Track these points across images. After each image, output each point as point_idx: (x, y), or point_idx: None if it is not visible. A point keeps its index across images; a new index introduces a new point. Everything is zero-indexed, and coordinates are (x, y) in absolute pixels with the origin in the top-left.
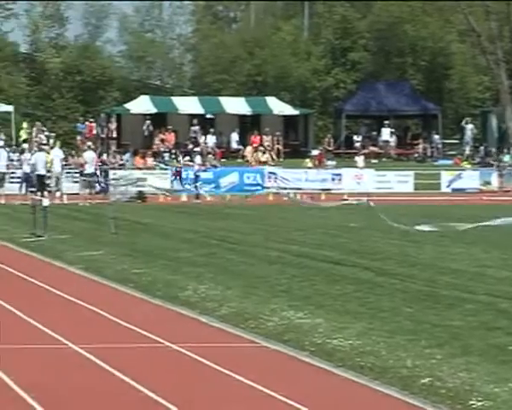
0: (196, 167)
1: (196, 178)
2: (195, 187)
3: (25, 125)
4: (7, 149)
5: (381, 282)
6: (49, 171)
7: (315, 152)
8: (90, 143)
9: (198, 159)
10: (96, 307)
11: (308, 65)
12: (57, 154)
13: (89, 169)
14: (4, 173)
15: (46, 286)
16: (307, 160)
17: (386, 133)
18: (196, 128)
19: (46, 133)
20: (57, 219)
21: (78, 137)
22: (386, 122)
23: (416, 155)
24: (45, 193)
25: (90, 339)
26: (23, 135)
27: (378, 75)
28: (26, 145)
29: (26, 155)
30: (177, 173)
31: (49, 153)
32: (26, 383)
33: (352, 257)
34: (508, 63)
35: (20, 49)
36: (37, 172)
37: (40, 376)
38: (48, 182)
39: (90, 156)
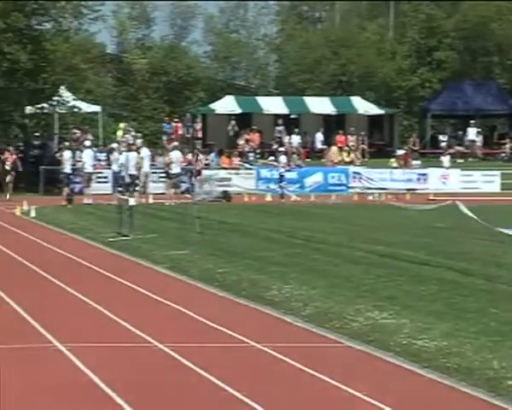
0: (281, 167)
1: (281, 178)
2: (280, 187)
3: (122, 125)
4: (94, 148)
5: (467, 283)
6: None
7: (400, 152)
8: (176, 143)
9: (283, 159)
10: (181, 306)
11: (393, 64)
12: (146, 154)
13: (174, 169)
14: (91, 173)
15: (133, 285)
16: (392, 160)
17: (472, 133)
18: (281, 128)
19: (133, 133)
20: (143, 218)
21: (164, 138)
22: (473, 122)
23: (503, 154)
24: (129, 193)
25: (176, 338)
26: (119, 134)
27: (464, 74)
28: (114, 145)
29: (115, 155)
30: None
31: (139, 153)
32: (113, 381)
33: (438, 257)
34: None
35: (107, 50)
36: (128, 172)
37: (127, 374)
38: (136, 182)
39: (175, 156)
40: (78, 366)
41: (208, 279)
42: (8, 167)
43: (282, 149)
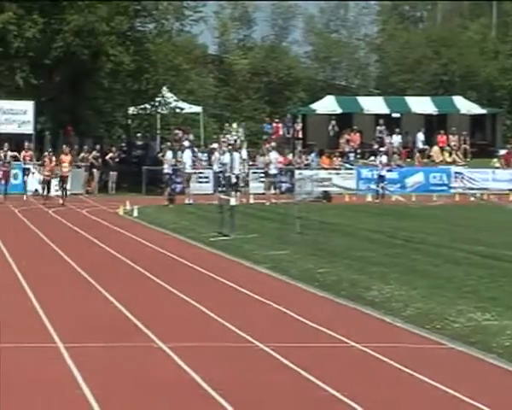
0: (380, 167)
1: (380, 178)
2: (382, 187)
3: (234, 125)
4: (195, 149)
5: None
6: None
7: (502, 152)
8: (273, 144)
9: (383, 159)
10: (282, 306)
11: (496, 64)
12: (242, 154)
13: (273, 170)
14: (190, 174)
15: (234, 285)
16: (495, 159)
17: None
18: (382, 128)
19: (240, 134)
20: (244, 218)
21: (265, 138)
22: None
23: None
24: (233, 193)
25: (277, 338)
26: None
27: None
28: (215, 145)
29: (216, 155)
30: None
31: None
32: (214, 380)
33: None
34: None
35: (208, 50)
36: (234, 172)
37: (228, 374)
38: (237, 182)
39: (273, 157)
40: (180, 365)
41: (308, 279)
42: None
43: (382, 149)
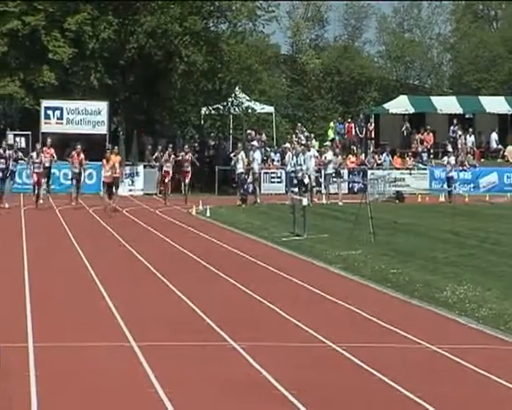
0: (449, 168)
1: (449, 179)
2: (454, 187)
3: (332, 124)
4: (268, 148)
5: None
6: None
7: None
8: (328, 144)
9: (452, 160)
10: (354, 306)
11: None
12: (313, 154)
13: (329, 170)
14: (258, 174)
15: (306, 285)
16: None
17: None
18: (455, 128)
19: (306, 134)
20: (316, 218)
21: (337, 138)
22: None
23: None
24: (306, 193)
25: (349, 338)
26: (331, 134)
27: None
28: (287, 145)
29: (289, 155)
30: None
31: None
32: (287, 380)
33: None
34: None
35: (281, 50)
36: (308, 173)
37: (301, 374)
38: (307, 181)
39: (330, 157)
40: (252, 364)
41: (381, 279)
42: (185, 169)
43: (450, 150)
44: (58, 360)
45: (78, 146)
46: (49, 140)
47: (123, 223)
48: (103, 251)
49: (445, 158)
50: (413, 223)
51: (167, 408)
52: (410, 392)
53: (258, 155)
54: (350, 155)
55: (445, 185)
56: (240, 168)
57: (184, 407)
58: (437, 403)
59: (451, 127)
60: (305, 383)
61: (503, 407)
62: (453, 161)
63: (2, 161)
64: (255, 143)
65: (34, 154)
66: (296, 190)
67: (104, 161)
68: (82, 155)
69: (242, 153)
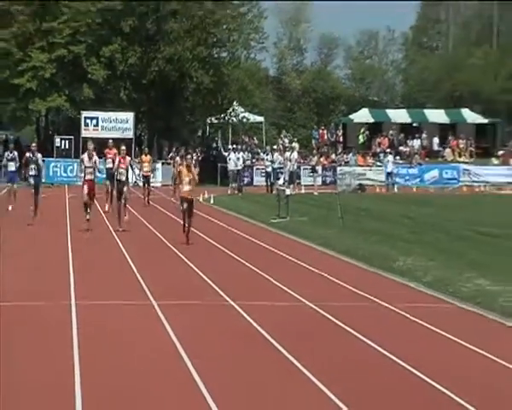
0: (388, 166)
1: (389, 174)
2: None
3: (362, 129)
4: (259, 150)
5: None
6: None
7: (501, 152)
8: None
9: (390, 158)
10: (325, 273)
11: (496, 83)
12: (293, 156)
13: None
14: (236, 170)
15: (289, 257)
16: (493, 158)
17: None
18: (402, 135)
19: (289, 138)
20: (297, 205)
21: (313, 142)
22: None
23: None
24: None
25: (323, 298)
26: (361, 139)
27: None
28: (274, 147)
29: (276, 155)
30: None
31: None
32: (272, 331)
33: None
34: None
35: (269, 73)
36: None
37: (285, 326)
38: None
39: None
40: (246, 318)
41: (347, 252)
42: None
43: (388, 150)
44: (95, 314)
45: (123, 147)
46: (110, 141)
47: (144, 209)
48: (134, 235)
49: (384, 157)
50: (373, 209)
51: (178, 350)
52: (373, 342)
53: (233, 156)
54: (323, 155)
55: (388, 179)
56: (232, 166)
57: (193, 348)
58: (391, 349)
59: (401, 134)
60: (286, 332)
61: (443, 351)
62: (392, 159)
63: (33, 166)
64: (230, 146)
65: (85, 156)
66: (281, 182)
67: (142, 157)
68: (128, 158)
69: (232, 154)
